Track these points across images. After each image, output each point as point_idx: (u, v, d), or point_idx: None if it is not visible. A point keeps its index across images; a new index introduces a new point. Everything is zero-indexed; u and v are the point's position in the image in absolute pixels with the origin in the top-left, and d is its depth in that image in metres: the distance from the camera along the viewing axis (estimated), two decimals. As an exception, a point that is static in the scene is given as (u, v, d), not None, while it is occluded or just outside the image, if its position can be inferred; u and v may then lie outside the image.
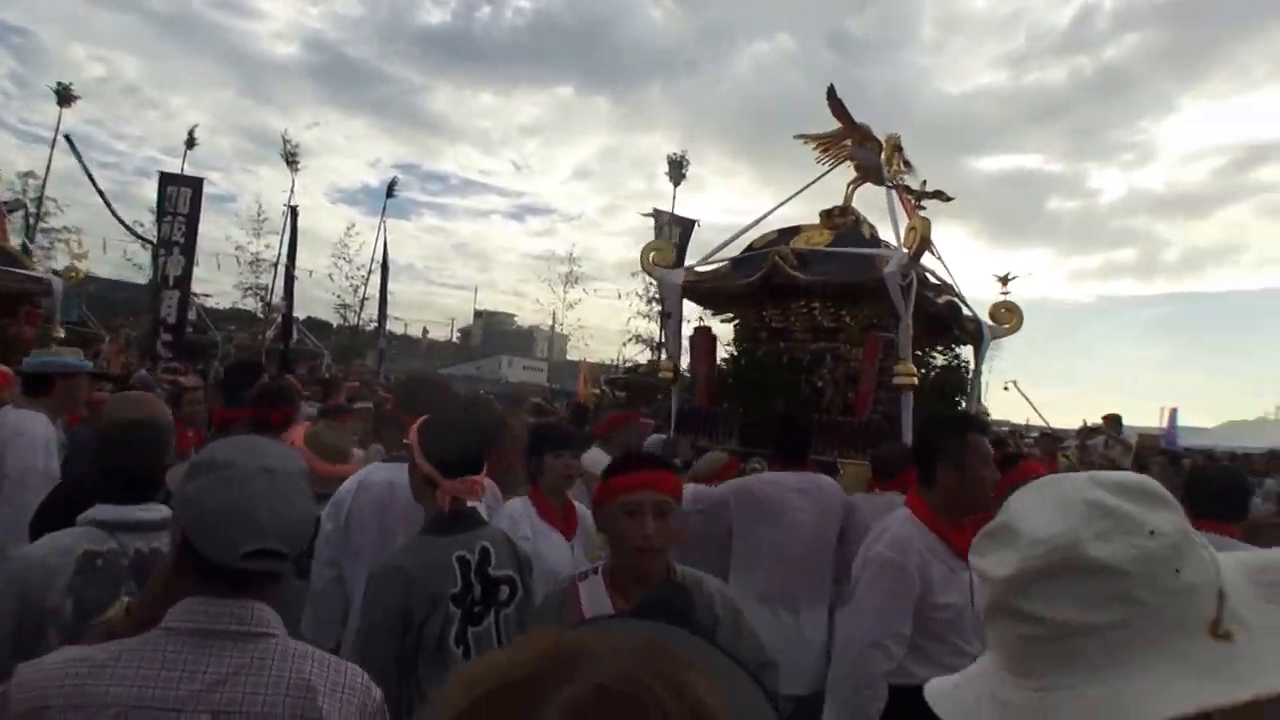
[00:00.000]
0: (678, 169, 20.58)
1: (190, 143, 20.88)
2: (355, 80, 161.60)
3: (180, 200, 14.79)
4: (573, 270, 28.46)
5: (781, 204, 5.58)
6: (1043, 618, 0.71)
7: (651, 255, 5.34)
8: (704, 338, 5.38)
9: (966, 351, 5.44)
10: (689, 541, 3.76)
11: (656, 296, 19.96)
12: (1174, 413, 15.20)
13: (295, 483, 1.37)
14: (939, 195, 4.98)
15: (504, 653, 0.57)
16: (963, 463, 2.45)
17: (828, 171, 5.44)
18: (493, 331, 63.14)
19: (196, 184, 15.54)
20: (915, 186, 4.92)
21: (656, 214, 17.90)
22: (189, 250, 14.85)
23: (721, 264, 5.34)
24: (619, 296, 24.07)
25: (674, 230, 17.74)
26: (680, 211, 18.98)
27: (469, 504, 2.23)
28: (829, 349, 4.88)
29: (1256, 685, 0.64)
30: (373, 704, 1.33)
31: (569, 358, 32.56)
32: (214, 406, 4.36)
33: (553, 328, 32.15)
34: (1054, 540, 0.72)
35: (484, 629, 2.11)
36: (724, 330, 5.67)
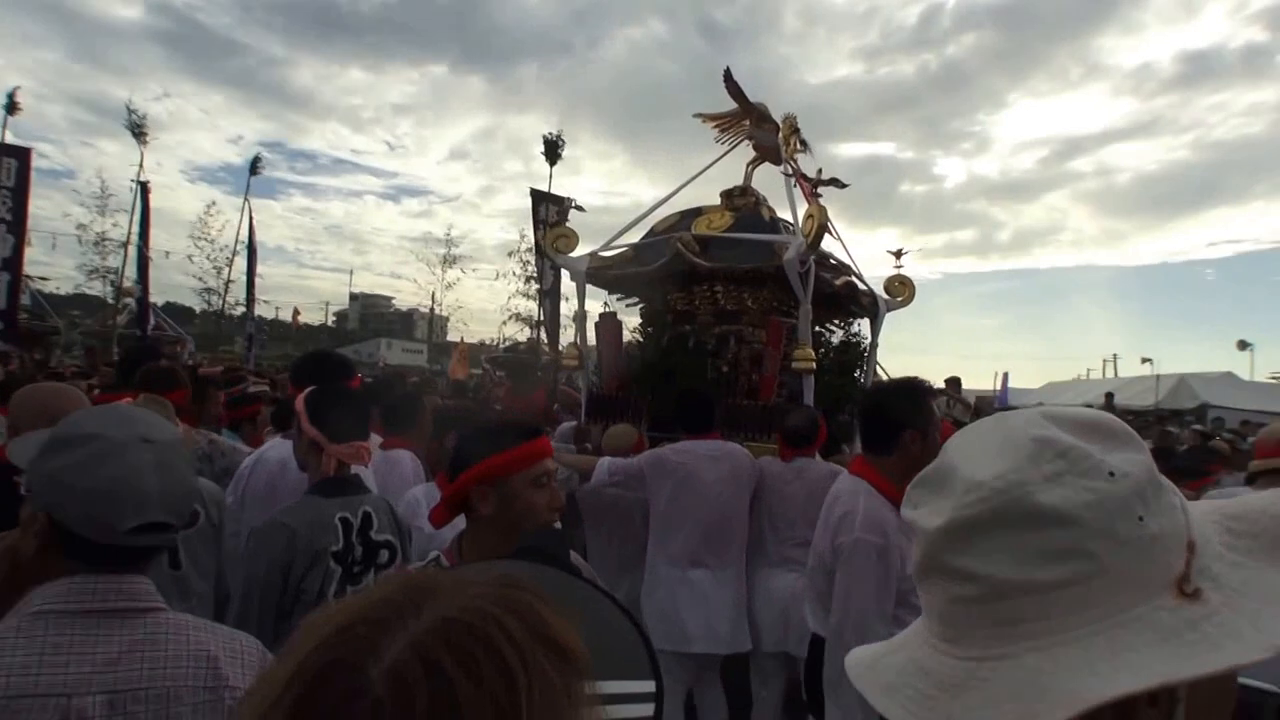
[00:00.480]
0: (553, 149, 20.44)
1: (10, 108, 18.88)
2: (210, 49, 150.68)
3: (3, 173, 13.49)
4: (450, 251, 27.93)
5: (682, 186, 5.59)
6: (978, 575, 0.61)
7: (556, 242, 5.17)
8: (610, 323, 5.31)
9: (862, 324, 5.61)
10: (603, 513, 3.86)
11: (535, 275, 19.93)
12: (1005, 376, 16.73)
13: (178, 451, 1.31)
14: (834, 182, 5.11)
15: (356, 595, 0.57)
16: (928, 430, 2.40)
17: (727, 152, 5.53)
18: (370, 314, 60.92)
19: (23, 154, 14.20)
20: (812, 167, 5.07)
21: (534, 194, 17.81)
22: (18, 228, 13.59)
23: (624, 248, 5.30)
24: (497, 277, 23.84)
25: (551, 210, 17.74)
26: (557, 191, 19.00)
27: (353, 470, 2.28)
28: (732, 332, 4.93)
29: (1228, 656, 0.55)
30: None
31: (450, 339, 31.82)
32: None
33: (431, 309, 31.43)
34: (994, 484, 0.62)
35: (362, 589, 2.18)
36: (630, 315, 5.66)
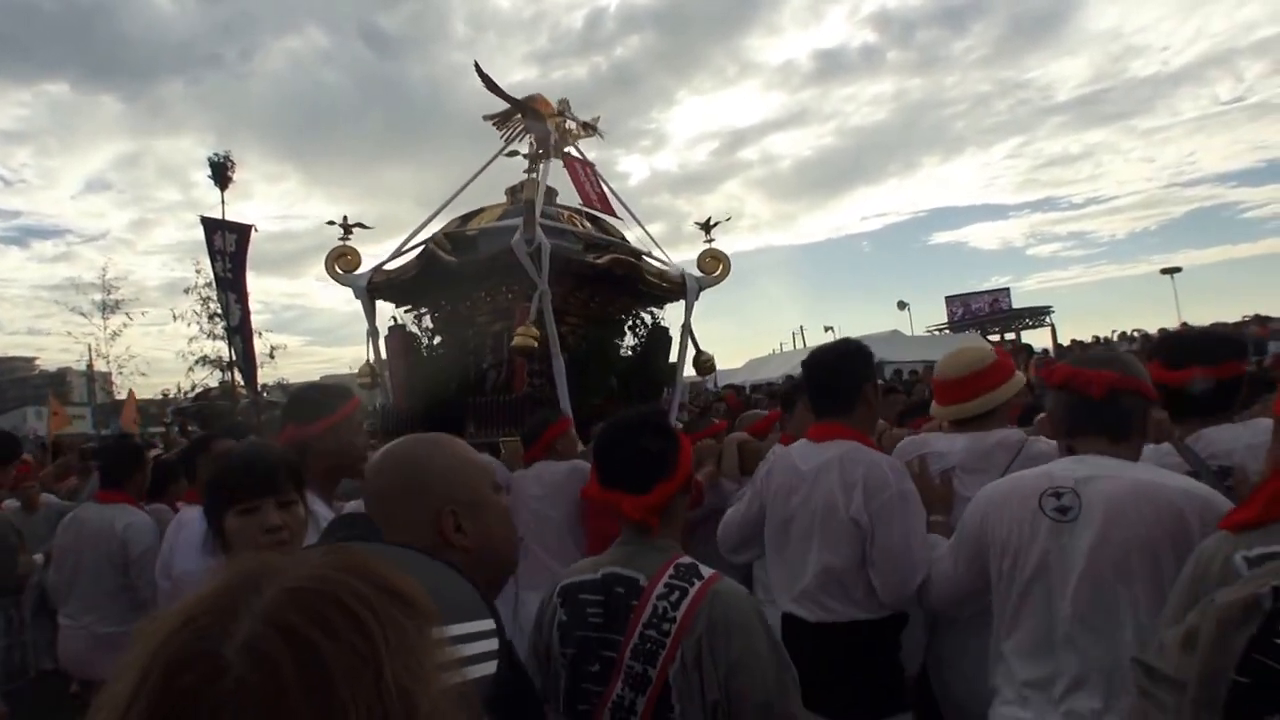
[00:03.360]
0: (222, 172, 18.65)
1: None
2: None
3: None
4: (109, 295, 24.25)
5: (460, 190, 5.29)
6: None
7: (337, 263, 4.83)
8: (398, 336, 5.08)
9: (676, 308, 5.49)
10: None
11: (219, 313, 18.00)
12: (712, 359, 18.48)
13: None
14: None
15: (191, 593, 0.57)
16: (876, 382, 2.56)
17: (502, 151, 5.33)
18: (8, 381, 50.67)
19: None
20: (599, 149, 5.13)
21: (206, 223, 16.11)
22: None
23: (411, 259, 5.06)
24: (174, 318, 21.06)
25: (229, 239, 16.17)
26: (231, 217, 17.42)
27: None
28: (507, 327, 4.71)
29: None
30: None
31: (120, 397, 27.66)
32: None
33: (90, 366, 27.17)
34: None
35: None
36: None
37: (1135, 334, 20.73)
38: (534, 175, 4.73)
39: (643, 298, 5.35)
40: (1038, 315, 46.27)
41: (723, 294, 5.47)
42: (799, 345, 36.95)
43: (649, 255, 5.33)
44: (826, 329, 28.39)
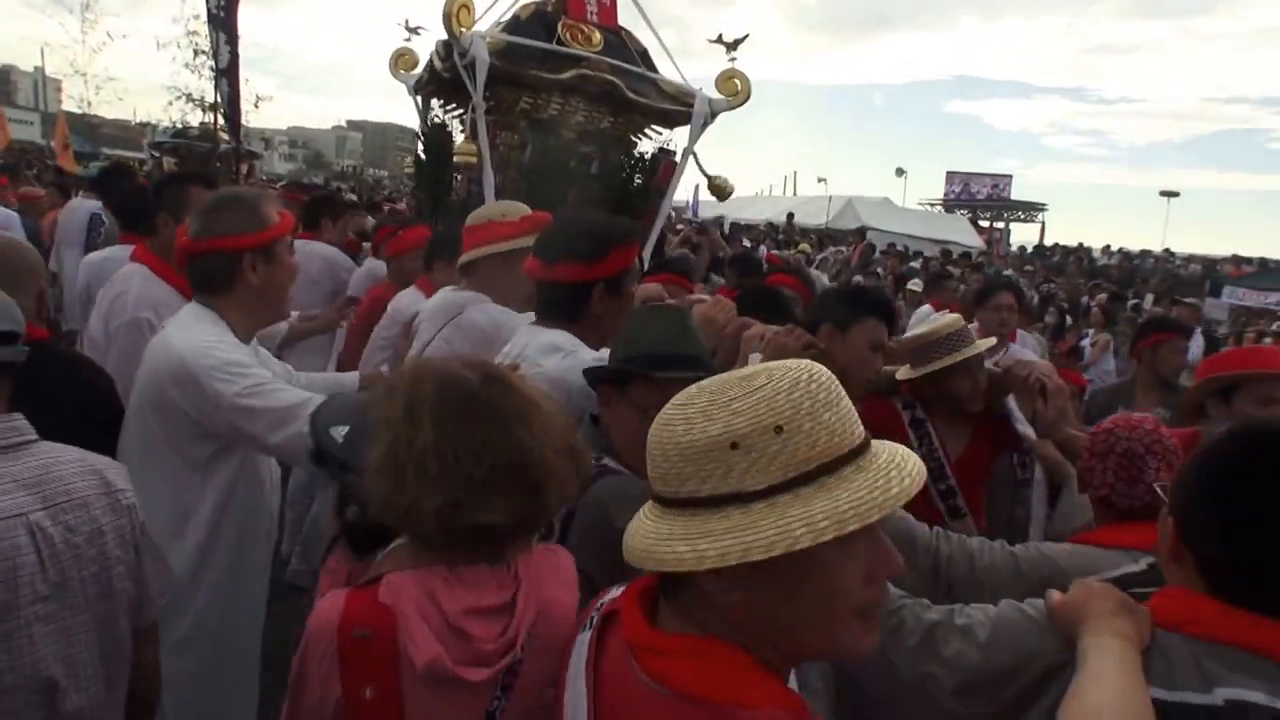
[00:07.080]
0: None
1: None
2: None
3: None
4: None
5: None
6: None
7: (398, 63, 5.32)
8: (433, 134, 5.34)
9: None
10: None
11: (206, 49, 16.78)
12: (696, 189, 17.99)
13: None
14: None
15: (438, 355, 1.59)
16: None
17: None
18: (-59, 69, 46.28)
19: None
20: None
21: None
22: None
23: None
24: (158, 47, 19.45)
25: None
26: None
27: None
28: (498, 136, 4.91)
29: None
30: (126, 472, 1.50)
31: (67, 108, 25.84)
32: None
33: (41, 70, 25.29)
34: None
35: None
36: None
37: (1118, 250, 20.84)
38: None
39: (649, 115, 5.11)
40: (1030, 210, 46.42)
41: (717, 122, 5.10)
42: (789, 192, 36.13)
43: (653, 74, 5.06)
44: (820, 180, 27.97)
